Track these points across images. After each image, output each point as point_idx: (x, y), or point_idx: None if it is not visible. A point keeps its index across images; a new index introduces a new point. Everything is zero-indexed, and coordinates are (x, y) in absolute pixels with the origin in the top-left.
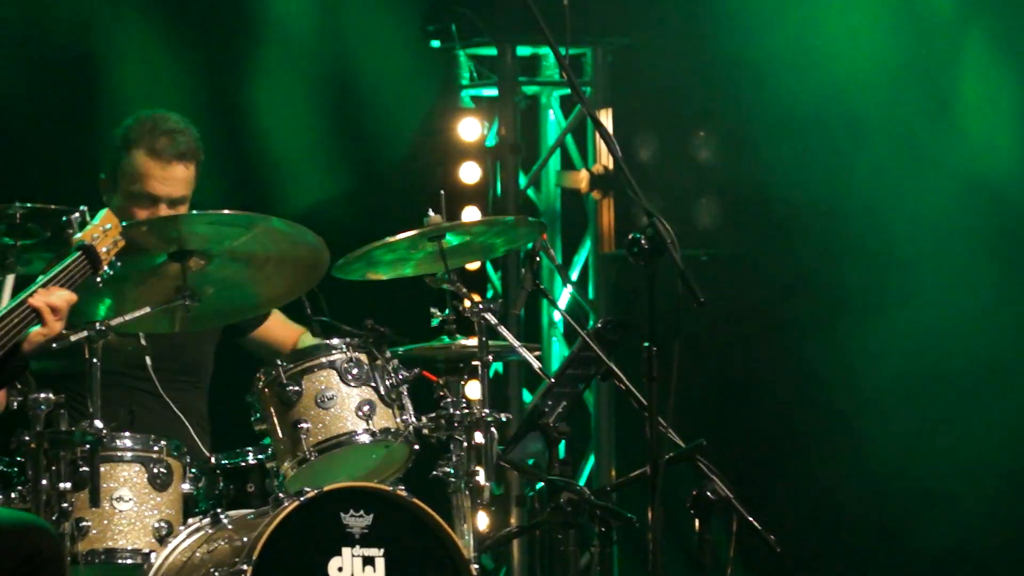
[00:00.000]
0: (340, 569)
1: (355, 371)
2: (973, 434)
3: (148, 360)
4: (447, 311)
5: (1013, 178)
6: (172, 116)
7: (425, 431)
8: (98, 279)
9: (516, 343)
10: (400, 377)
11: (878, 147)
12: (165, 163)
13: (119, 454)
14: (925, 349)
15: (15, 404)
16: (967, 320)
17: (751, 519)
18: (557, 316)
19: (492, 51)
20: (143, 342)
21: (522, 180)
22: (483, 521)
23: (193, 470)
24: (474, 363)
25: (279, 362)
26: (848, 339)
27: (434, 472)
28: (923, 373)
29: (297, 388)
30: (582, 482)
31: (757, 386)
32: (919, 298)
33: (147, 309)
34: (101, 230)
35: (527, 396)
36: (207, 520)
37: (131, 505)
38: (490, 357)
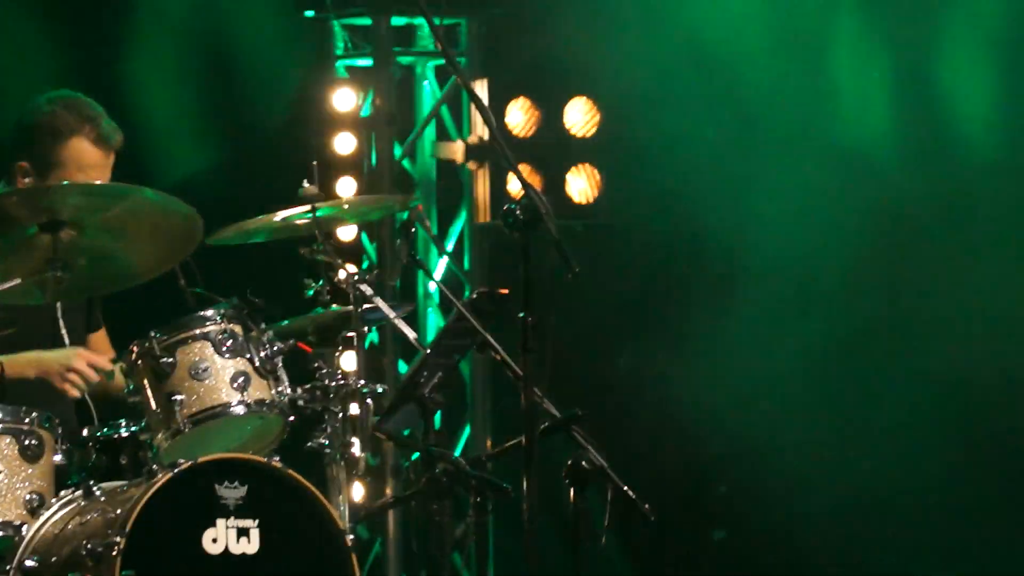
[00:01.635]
0: (214, 540)
1: (229, 343)
2: (838, 398)
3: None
4: (322, 282)
5: (883, 149)
6: (89, 100)
7: (300, 402)
8: None
9: (391, 313)
10: (275, 348)
11: (751, 117)
12: (109, 151)
13: None
14: (791, 317)
15: None
16: (835, 289)
17: (626, 488)
18: (432, 286)
19: (367, 21)
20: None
21: (397, 151)
22: (358, 492)
23: (66, 442)
24: (349, 334)
25: (153, 333)
26: (719, 308)
27: (309, 443)
28: (788, 340)
29: (171, 360)
30: (458, 452)
31: (633, 355)
32: (790, 268)
33: (17, 280)
34: None
35: (403, 367)
36: (79, 492)
37: (1, 477)
38: (365, 328)
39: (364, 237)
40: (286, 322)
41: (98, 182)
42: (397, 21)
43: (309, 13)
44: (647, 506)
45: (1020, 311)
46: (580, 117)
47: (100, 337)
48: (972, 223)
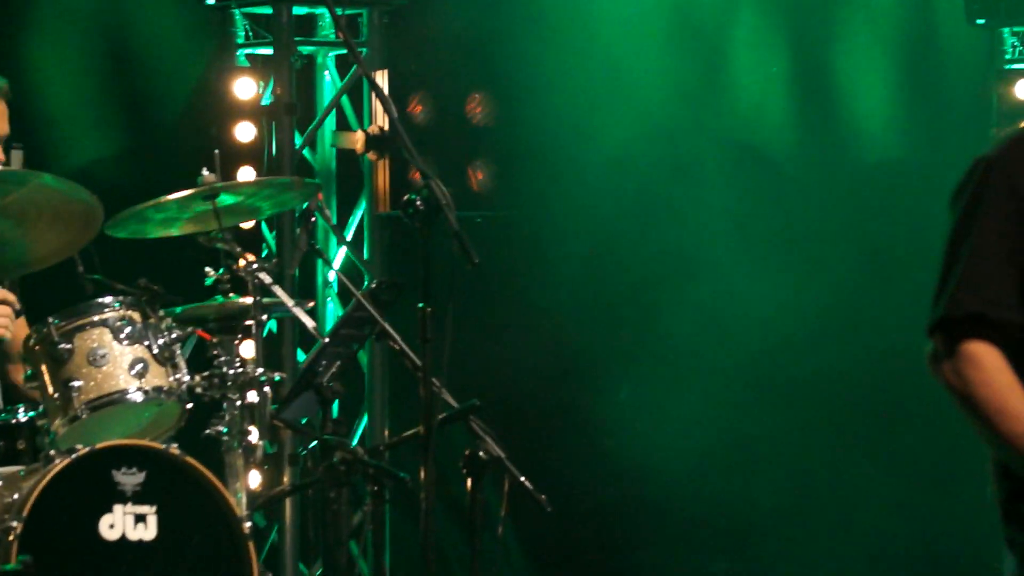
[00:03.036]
0: (112, 526)
1: (128, 329)
2: (745, 402)
3: None
4: (221, 270)
5: (780, 143)
6: None
7: (198, 389)
8: None
9: (290, 302)
10: (173, 336)
11: (652, 109)
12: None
13: None
14: (682, 302)
15: None
16: (728, 279)
17: (523, 479)
18: (332, 276)
19: (268, 10)
20: None
21: (297, 140)
22: (256, 480)
23: None
24: (248, 322)
25: (50, 320)
26: (622, 299)
27: (207, 431)
28: (690, 331)
29: (69, 346)
30: (355, 442)
31: (532, 347)
32: (688, 257)
33: None
34: None
35: (301, 356)
36: None
37: None
38: (264, 316)
39: (264, 226)
40: (180, 309)
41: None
42: (299, 10)
43: (210, 1)
44: (543, 496)
45: (916, 308)
46: (481, 108)
47: (20, 324)
48: (870, 220)
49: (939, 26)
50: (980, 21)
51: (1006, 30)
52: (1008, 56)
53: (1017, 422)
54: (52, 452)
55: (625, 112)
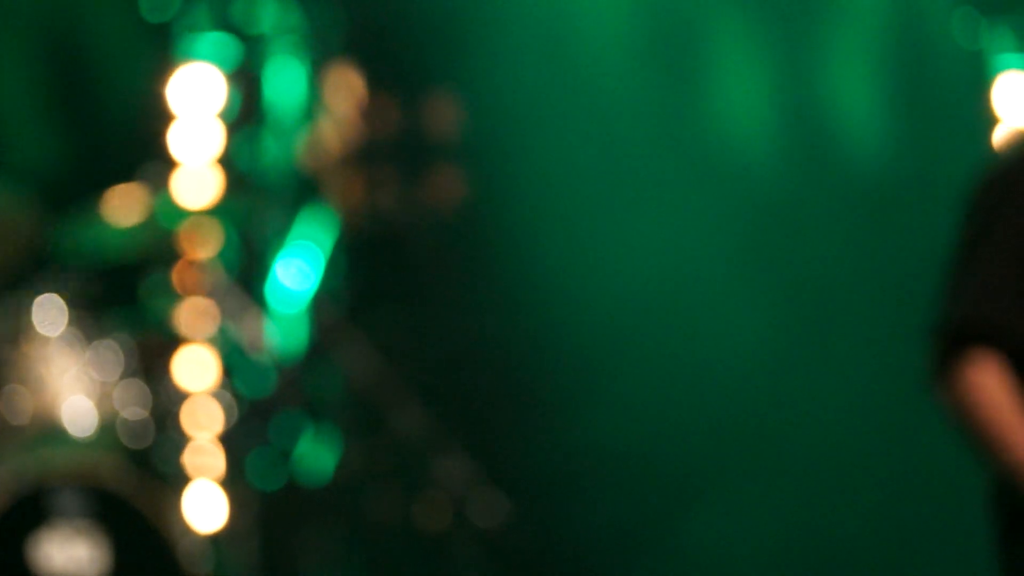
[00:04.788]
0: (53, 553)
1: (72, 349)
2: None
3: None
4: (164, 279)
5: (759, 157)
6: None
7: (145, 412)
8: None
9: (235, 312)
10: (120, 349)
11: (619, 118)
12: None
13: None
14: (660, 311)
15: None
16: (711, 293)
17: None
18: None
19: None
20: None
21: (244, 148)
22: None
23: None
24: (193, 332)
25: None
26: (581, 306)
27: (154, 456)
28: (633, 334)
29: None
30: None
31: (502, 354)
32: (662, 268)
33: None
34: None
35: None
36: None
37: None
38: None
39: (210, 234)
40: (128, 330)
41: None
42: None
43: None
44: (502, 502)
45: (905, 316)
46: (441, 117)
47: None
48: (855, 229)
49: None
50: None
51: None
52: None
53: (1012, 453)
54: None
55: (595, 121)
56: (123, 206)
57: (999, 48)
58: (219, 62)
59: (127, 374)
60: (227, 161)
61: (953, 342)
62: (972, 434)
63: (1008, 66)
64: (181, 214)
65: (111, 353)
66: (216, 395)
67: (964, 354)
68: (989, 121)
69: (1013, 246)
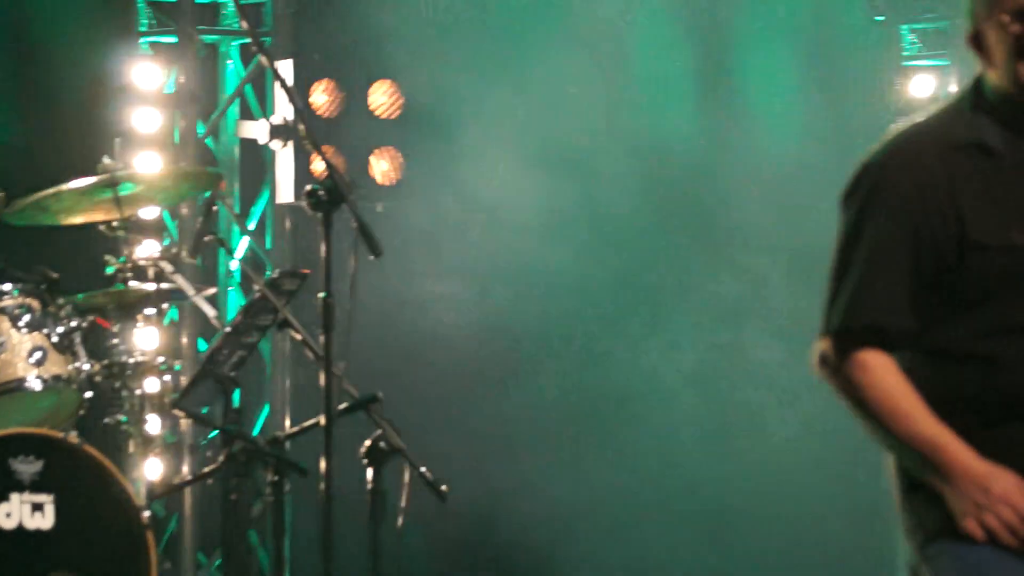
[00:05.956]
0: (8, 515)
1: (27, 317)
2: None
3: None
4: (122, 259)
5: (680, 137)
6: None
7: (98, 378)
8: None
9: (191, 291)
10: (73, 324)
11: (553, 103)
12: None
13: None
14: (575, 291)
15: None
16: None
17: (423, 469)
18: (234, 265)
19: None
20: None
21: (200, 129)
22: (155, 469)
23: None
24: (149, 311)
25: None
26: (521, 288)
27: (106, 419)
28: (577, 321)
29: None
30: (256, 431)
31: (432, 336)
32: (589, 250)
33: None
34: None
35: (202, 345)
36: None
37: None
38: (165, 305)
39: (166, 214)
40: (80, 297)
41: None
42: None
43: None
44: (444, 487)
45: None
46: (384, 99)
47: None
48: (774, 218)
49: (839, 22)
50: (880, 18)
51: (905, 27)
52: (907, 53)
53: (908, 421)
54: None
55: (529, 105)
56: (81, 186)
57: (905, 39)
58: (177, 44)
59: (86, 345)
60: (182, 142)
61: (839, 346)
62: (867, 413)
63: (912, 55)
64: (138, 193)
65: (70, 325)
66: (170, 362)
67: (851, 354)
68: (900, 106)
69: (886, 245)
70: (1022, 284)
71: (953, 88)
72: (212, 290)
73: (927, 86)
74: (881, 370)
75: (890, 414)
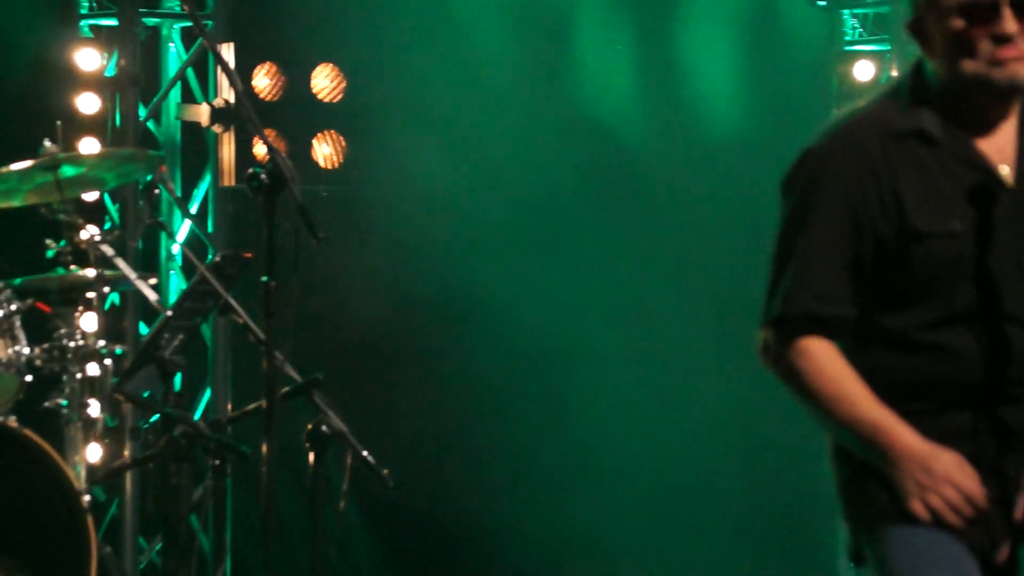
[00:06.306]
0: None
1: None
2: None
3: None
4: (63, 242)
5: (625, 120)
6: None
7: (37, 362)
8: None
9: (132, 275)
10: (12, 307)
11: (497, 87)
12: None
13: None
14: (536, 281)
15: None
16: (577, 260)
17: (365, 453)
18: (175, 249)
19: None
20: None
21: (142, 112)
22: (96, 453)
23: None
24: (89, 295)
25: None
26: (461, 272)
27: (46, 403)
28: (532, 304)
29: None
30: (198, 415)
31: (381, 320)
32: (531, 238)
33: None
34: None
35: (143, 329)
36: None
37: None
38: (106, 289)
39: (107, 198)
40: (19, 281)
41: None
42: None
43: None
44: (386, 471)
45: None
46: (326, 83)
47: None
48: (714, 200)
49: (781, 6)
50: (821, 3)
51: (846, 12)
52: (848, 37)
53: (851, 406)
54: None
55: (470, 89)
56: (21, 168)
57: (847, 24)
58: (118, 27)
59: (25, 328)
60: (123, 125)
61: (780, 334)
62: (811, 400)
63: (854, 40)
64: (79, 176)
65: (9, 308)
66: (111, 346)
67: (792, 342)
68: (842, 90)
69: (826, 233)
70: (963, 272)
71: (894, 73)
72: (154, 280)
73: (868, 71)
74: (822, 356)
75: (832, 399)
